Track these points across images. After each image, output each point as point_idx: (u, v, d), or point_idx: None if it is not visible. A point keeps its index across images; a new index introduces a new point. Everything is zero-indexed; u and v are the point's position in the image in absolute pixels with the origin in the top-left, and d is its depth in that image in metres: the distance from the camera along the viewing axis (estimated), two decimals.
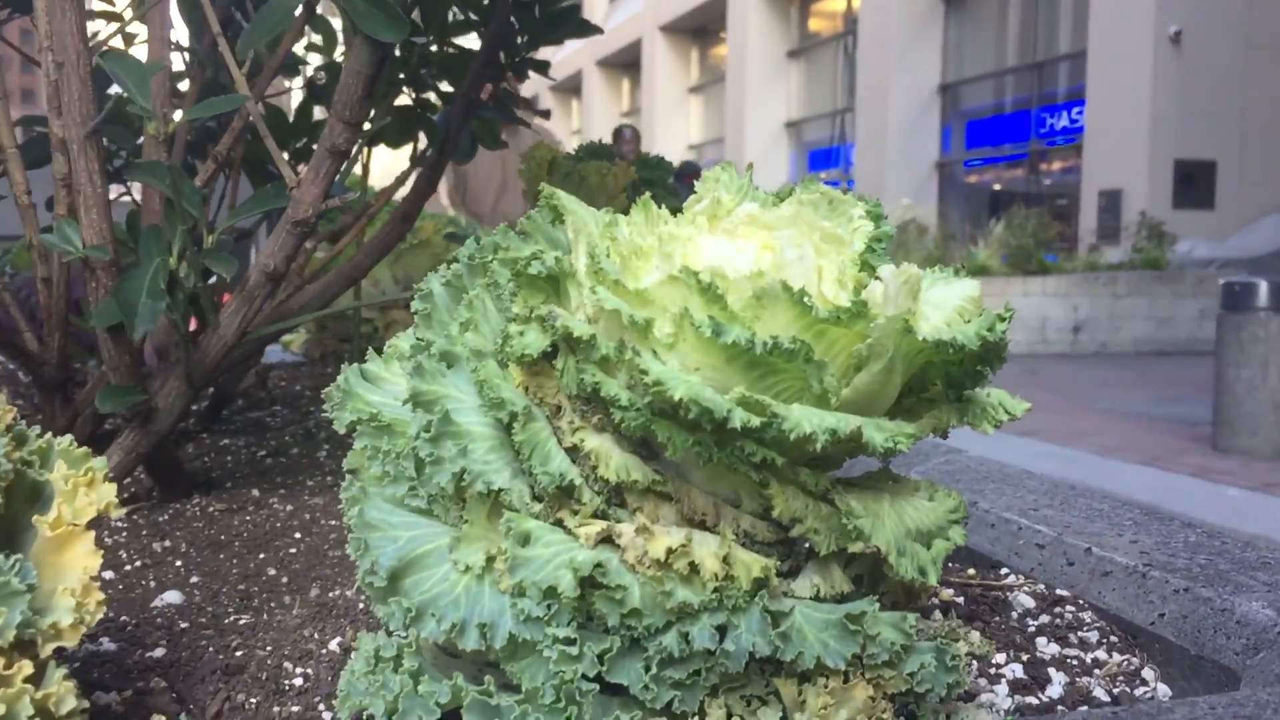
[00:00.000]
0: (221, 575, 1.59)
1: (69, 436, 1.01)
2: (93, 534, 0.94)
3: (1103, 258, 13.45)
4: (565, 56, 29.73)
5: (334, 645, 1.21)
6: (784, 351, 0.90)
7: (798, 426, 0.88)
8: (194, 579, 1.57)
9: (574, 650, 0.91)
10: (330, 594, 1.42)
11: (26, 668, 0.84)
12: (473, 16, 2.38)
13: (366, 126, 2.47)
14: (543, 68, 2.64)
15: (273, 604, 1.43)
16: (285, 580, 1.59)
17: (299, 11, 1.74)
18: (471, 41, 2.55)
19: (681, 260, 0.99)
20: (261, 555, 1.68)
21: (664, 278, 0.96)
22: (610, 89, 29.34)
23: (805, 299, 0.92)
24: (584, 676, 0.90)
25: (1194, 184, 14.41)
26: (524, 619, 0.92)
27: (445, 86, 2.57)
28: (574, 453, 0.99)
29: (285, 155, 2.79)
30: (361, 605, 1.33)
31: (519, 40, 2.47)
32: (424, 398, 1.01)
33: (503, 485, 0.97)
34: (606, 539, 0.95)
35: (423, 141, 2.62)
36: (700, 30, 25.36)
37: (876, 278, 1.02)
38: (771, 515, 0.97)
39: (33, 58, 2.36)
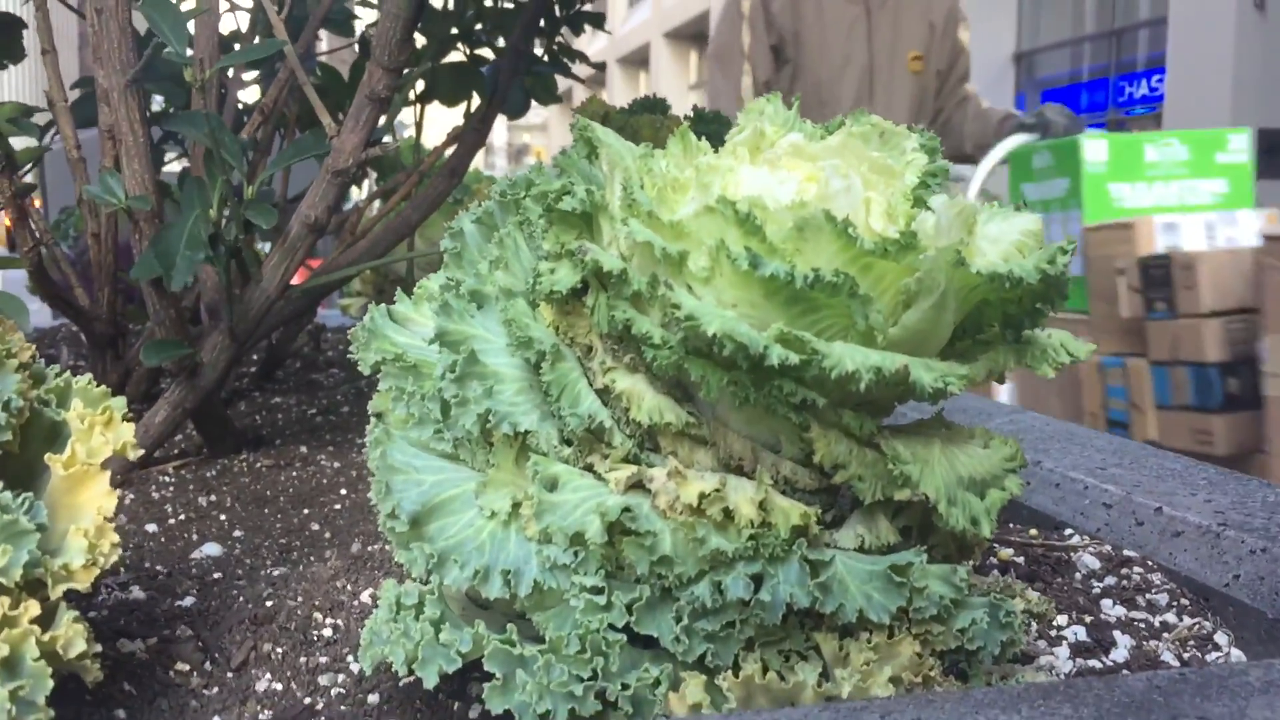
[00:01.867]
0: (264, 530, 1.57)
1: (88, 375, 0.99)
2: (108, 474, 0.91)
3: None
4: (632, 28, 29.60)
5: (365, 597, 1.18)
6: (826, 285, 0.84)
7: (840, 364, 0.82)
8: (236, 533, 1.55)
9: (601, 599, 0.86)
10: (370, 548, 1.39)
11: (33, 608, 0.81)
12: None
13: (420, 86, 2.45)
14: (598, 20, 2.58)
15: (311, 557, 1.41)
16: (328, 535, 1.56)
17: None
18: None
19: (720, 191, 0.93)
20: (306, 510, 1.66)
21: (700, 209, 0.90)
22: (678, 61, 29.12)
23: (850, 230, 0.86)
24: (612, 627, 0.86)
25: (1279, 153, 13.95)
26: (550, 566, 0.88)
27: (501, 43, 2.52)
28: (605, 394, 0.94)
29: (340, 116, 2.78)
30: (396, 558, 1.29)
31: None
32: (450, 337, 0.97)
33: (530, 427, 0.93)
34: (637, 484, 0.90)
35: (476, 102, 2.59)
36: (702, 36, 25.14)
37: (929, 210, 0.96)
38: (813, 461, 0.92)
39: (78, 9, 2.36)
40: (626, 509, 0.86)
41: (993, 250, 0.95)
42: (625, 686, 0.85)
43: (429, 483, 0.94)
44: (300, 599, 1.17)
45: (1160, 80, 15.23)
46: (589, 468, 0.93)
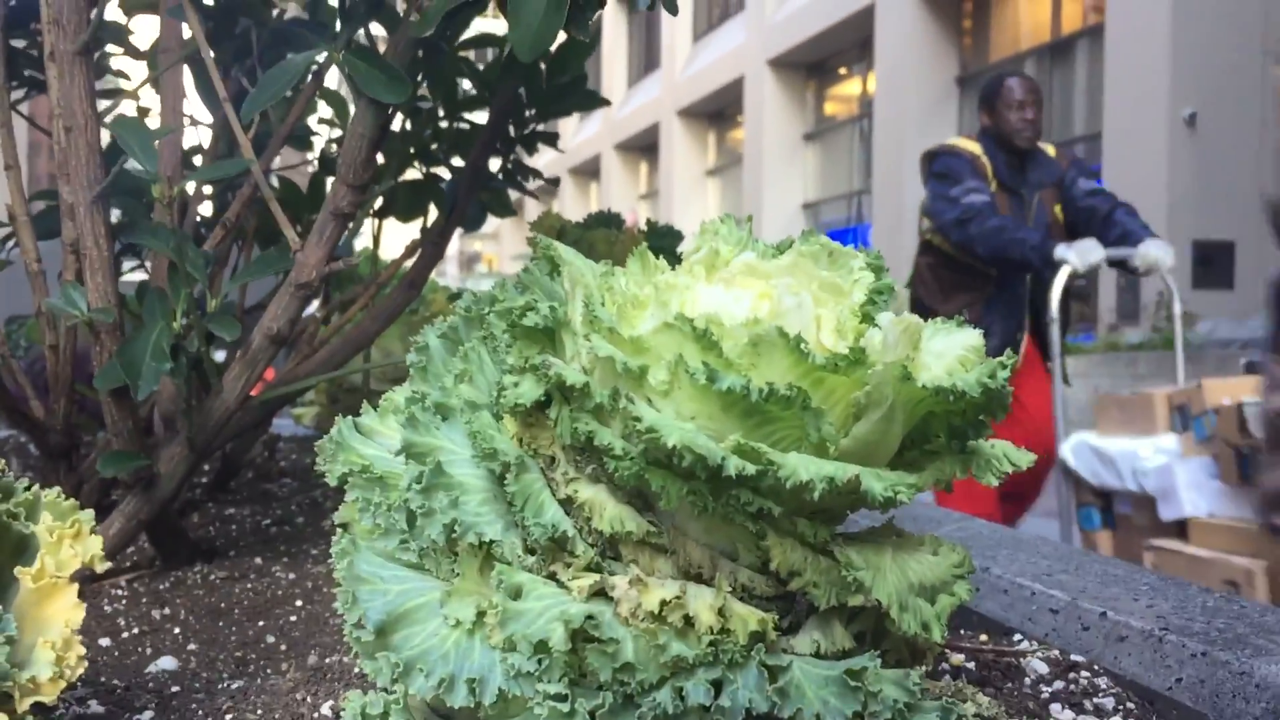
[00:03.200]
0: (219, 643, 1.57)
1: (56, 489, 1.00)
2: (76, 587, 0.92)
3: (1123, 337, 13.38)
4: (584, 140, 30.16)
5: (326, 709, 1.18)
6: (781, 398, 0.88)
7: (794, 474, 0.86)
8: (191, 646, 1.54)
9: (565, 707, 0.88)
10: (328, 659, 1.39)
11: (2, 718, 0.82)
12: (479, 91, 2.40)
13: (379, 203, 2.51)
14: (552, 140, 2.66)
15: (268, 670, 1.40)
16: (284, 648, 1.56)
17: (309, 79, 1.76)
18: (482, 118, 2.58)
19: (678, 308, 0.98)
20: (261, 623, 1.65)
21: (659, 325, 0.95)
22: (628, 172, 29.68)
23: (802, 345, 0.90)
24: None
25: (1213, 264, 14.38)
26: (514, 674, 0.89)
27: (456, 162, 2.59)
28: (568, 504, 0.97)
29: (299, 229, 2.82)
30: (357, 669, 1.29)
31: (527, 113, 2.49)
32: (417, 449, 1.00)
33: (495, 537, 0.95)
34: (600, 592, 0.92)
35: (433, 215, 2.64)
36: (717, 114, 25.70)
37: (877, 327, 1.01)
38: (770, 568, 0.95)
39: (44, 128, 2.40)
40: (590, 616, 0.88)
41: (937, 365, 0.99)
42: None
43: (394, 592, 0.96)
44: (260, 712, 1.16)
45: None
46: (552, 576, 0.95)
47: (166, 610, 1.70)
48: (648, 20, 27.69)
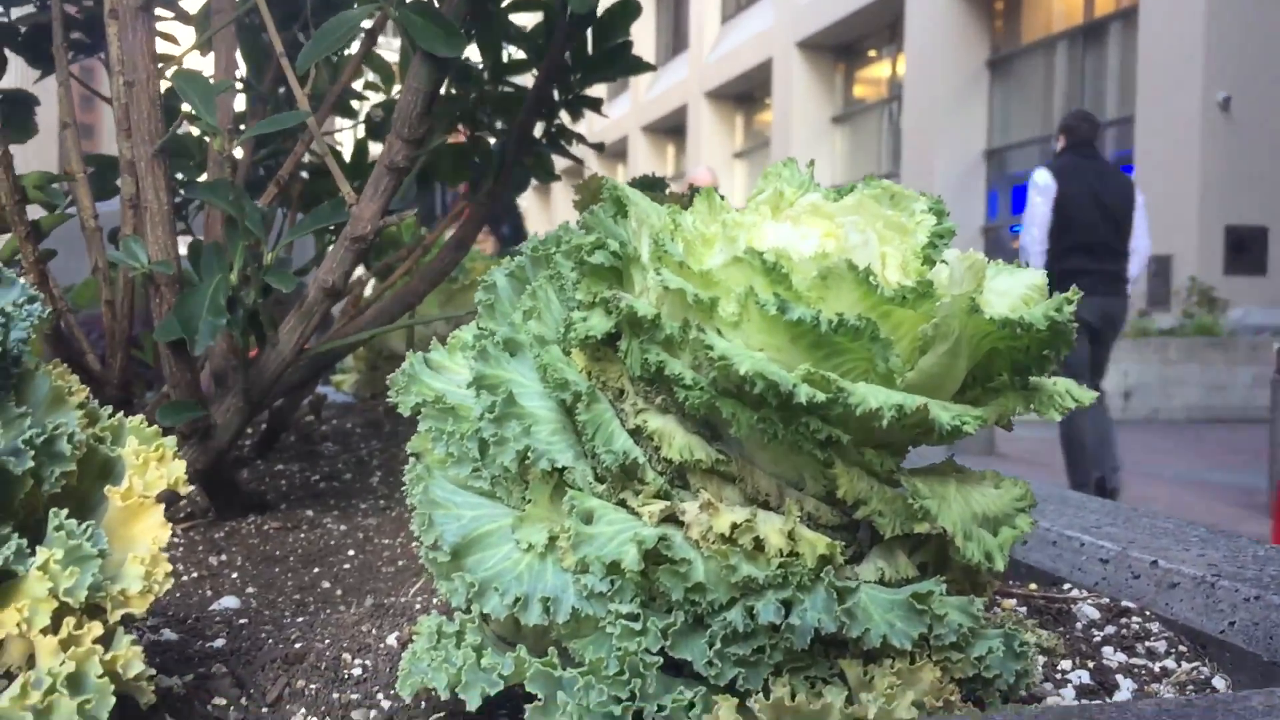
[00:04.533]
0: (277, 587, 1.60)
1: (140, 415, 1.03)
2: (162, 507, 0.95)
3: (1153, 323, 13.30)
4: (612, 122, 30.10)
5: (391, 640, 1.21)
6: (849, 329, 0.90)
7: (864, 402, 0.88)
8: (250, 589, 1.57)
9: (637, 625, 0.90)
10: (386, 600, 1.42)
11: (96, 629, 0.85)
12: (527, 55, 2.42)
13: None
14: (596, 104, 2.68)
15: (327, 610, 1.43)
16: (339, 592, 1.59)
17: (360, 39, 1.78)
18: (527, 81, 2.60)
19: (746, 244, 0.99)
20: (316, 569, 1.68)
21: (728, 259, 0.97)
22: (656, 154, 29.64)
23: (871, 278, 0.92)
24: (647, 651, 0.89)
25: (1246, 250, 14.26)
26: (587, 595, 0.92)
27: (500, 125, 2.61)
28: (637, 435, 0.99)
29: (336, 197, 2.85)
30: (419, 606, 1.32)
31: (572, 77, 2.50)
32: (488, 381, 1.02)
33: (566, 464, 0.98)
34: (670, 517, 0.95)
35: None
36: (745, 97, 25.60)
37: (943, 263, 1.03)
38: (835, 498, 0.97)
39: (99, 91, 2.44)
40: (663, 538, 0.90)
41: (1001, 303, 1.01)
42: (661, 708, 0.88)
43: (468, 517, 0.98)
44: (328, 641, 1.19)
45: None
46: (622, 503, 0.97)
47: (223, 557, 1.73)
48: (676, 2, 27.61)
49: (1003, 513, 0.99)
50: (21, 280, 0.96)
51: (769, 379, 0.88)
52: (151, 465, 0.96)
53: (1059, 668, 1.17)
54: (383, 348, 3.45)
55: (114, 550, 0.91)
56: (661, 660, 0.89)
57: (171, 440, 1.01)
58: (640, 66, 2.59)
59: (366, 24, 1.77)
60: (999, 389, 1.02)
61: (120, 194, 1.92)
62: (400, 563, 1.72)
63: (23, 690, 0.79)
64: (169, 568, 0.91)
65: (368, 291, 2.47)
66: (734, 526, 0.90)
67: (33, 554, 0.84)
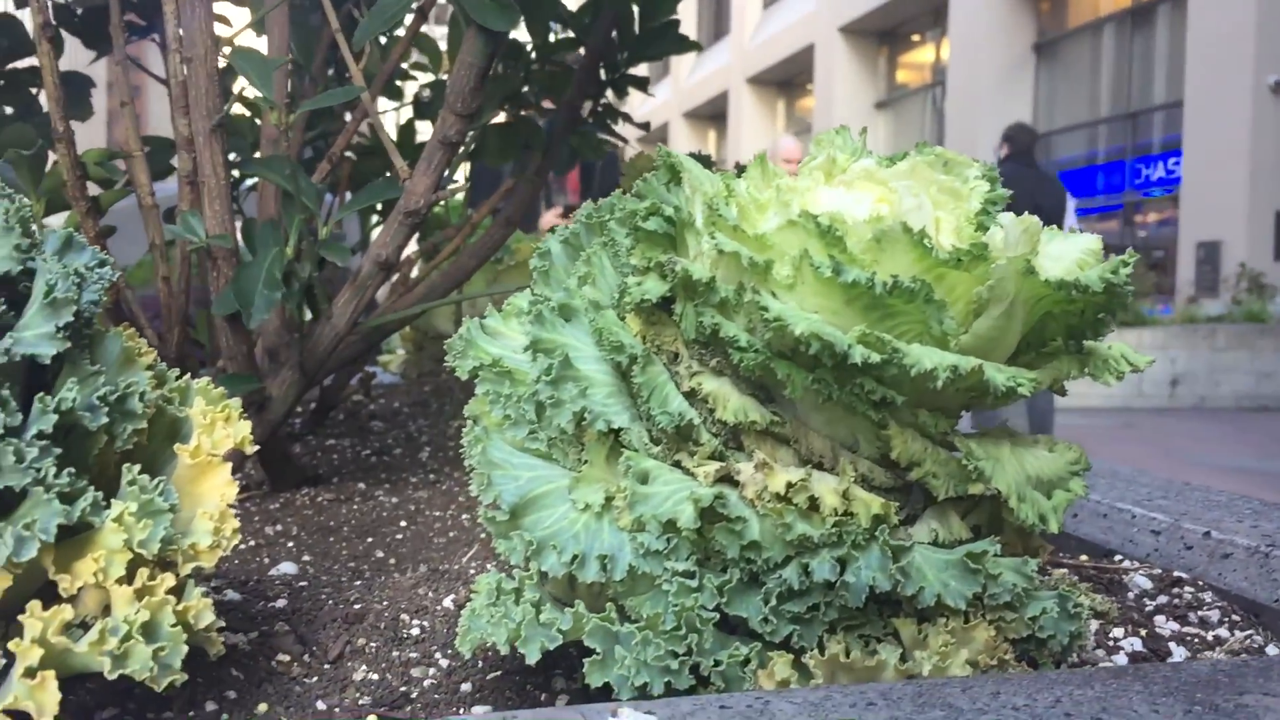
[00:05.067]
0: (332, 555, 1.62)
1: (206, 378, 1.05)
2: (229, 465, 0.97)
3: (1201, 310, 13.12)
4: (653, 108, 30.04)
5: (448, 602, 1.23)
6: (904, 291, 0.90)
7: (918, 363, 0.89)
8: (306, 557, 1.60)
9: (693, 583, 0.92)
10: (440, 568, 1.44)
11: (169, 580, 0.87)
12: (575, 34, 2.43)
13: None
14: (643, 83, 2.68)
15: (380, 577, 1.46)
16: (393, 561, 1.61)
17: (415, 5, 1.79)
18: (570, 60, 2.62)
19: (800, 208, 1.00)
20: (369, 539, 1.71)
21: (783, 223, 0.97)
22: (697, 140, 29.56)
23: (925, 240, 0.92)
24: (703, 608, 0.91)
25: None
26: (643, 553, 0.93)
27: (546, 104, 2.63)
28: (691, 397, 1.00)
29: (388, 175, 2.88)
30: (473, 571, 1.34)
31: (619, 56, 2.51)
32: (544, 345, 1.03)
33: (622, 425, 0.99)
34: (725, 478, 0.96)
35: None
36: (787, 82, 25.46)
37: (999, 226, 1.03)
38: (888, 460, 0.97)
39: (152, 72, 2.48)
40: (719, 496, 0.91)
41: (1055, 267, 1.01)
42: (717, 663, 0.90)
43: (525, 478, 1.00)
44: (386, 603, 1.22)
45: (1177, 163, 15.39)
46: (677, 464, 0.99)
47: (279, 527, 1.76)
48: None
49: (1057, 476, 1.00)
50: (93, 248, 0.99)
51: (824, 340, 0.88)
52: (219, 425, 0.98)
53: (1111, 635, 1.17)
54: (429, 328, 3.48)
55: (183, 506, 0.93)
56: (717, 616, 0.91)
57: (237, 401, 1.03)
58: (686, 45, 2.59)
59: (415, 2, 1.79)
60: (1053, 353, 1.02)
61: (177, 171, 1.96)
62: (451, 534, 1.74)
63: (101, 636, 0.81)
64: (236, 524, 0.94)
65: (413, 272, 2.50)
66: (789, 486, 0.92)
67: (108, 507, 0.86)
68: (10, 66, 2.46)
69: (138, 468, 0.90)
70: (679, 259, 1.00)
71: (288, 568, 1.48)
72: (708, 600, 0.91)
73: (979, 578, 0.91)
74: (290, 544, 1.68)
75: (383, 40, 2.53)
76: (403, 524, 1.80)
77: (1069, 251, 1.03)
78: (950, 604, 0.90)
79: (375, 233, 2.90)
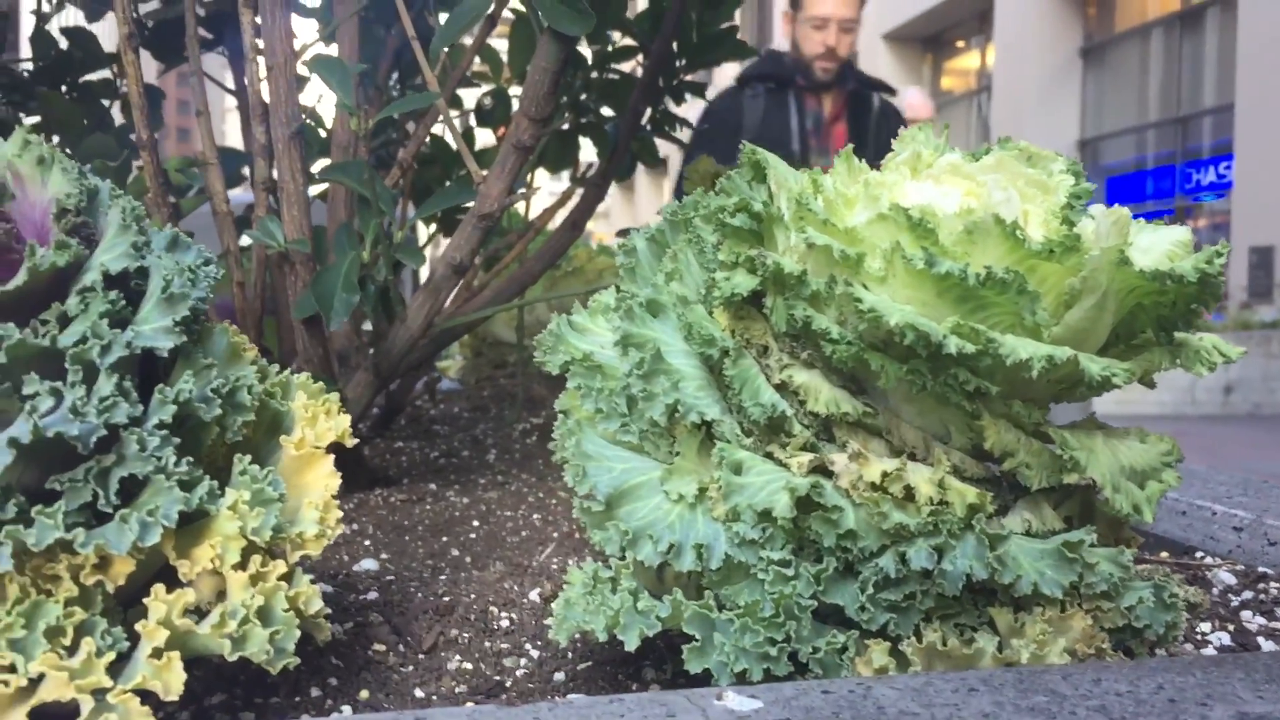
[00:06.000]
0: (409, 554, 1.65)
1: (305, 373, 1.08)
2: (332, 457, 1.00)
3: (1255, 316, 12.94)
4: (695, 113, 30.02)
5: (534, 595, 1.25)
6: (997, 282, 0.91)
7: (1013, 353, 0.89)
8: (384, 555, 1.62)
9: (789, 571, 0.93)
10: (518, 562, 1.46)
11: (280, 567, 0.90)
12: (635, 41, 2.46)
13: None
14: (701, 90, 2.71)
15: (461, 573, 1.48)
16: (469, 559, 1.63)
17: (490, 9, 1.82)
18: (625, 66, 2.64)
19: (889, 202, 1.01)
20: (444, 538, 1.73)
21: (873, 216, 0.98)
22: None
23: (1017, 232, 0.93)
24: (800, 596, 0.92)
25: None
26: (739, 542, 0.94)
27: (606, 111, 2.66)
28: (782, 389, 1.02)
29: (447, 183, 2.92)
30: (554, 567, 1.36)
31: (677, 63, 2.53)
32: (634, 339, 1.05)
33: (714, 417, 1.00)
34: (818, 468, 0.97)
35: (581, 165, 2.72)
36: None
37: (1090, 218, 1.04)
38: (981, 451, 0.98)
39: (225, 85, 2.53)
40: (815, 486, 0.92)
41: (1144, 259, 1.01)
42: (815, 650, 0.91)
43: (619, 470, 1.02)
44: (474, 596, 1.24)
45: (1228, 167, 15.20)
46: (769, 455, 1.00)
47: (355, 526, 1.79)
48: None
49: (1150, 466, 1.00)
50: (199, 245, 1.02)
51: (919, 330, 0.89)
52: (320, 418, 1.01)
53: (1199, 629, 1.17)
54: (487, 334, 3.51)
55: (289, 496, 0.95)
56: (815, 604, 0.92)
57: (336, 395, 1.06)
58: (745, 51, 2.61)
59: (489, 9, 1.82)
60: (1143, 345, 1.02)
61: (253, 178, 2.00)
62: (524, 533, 1.76)
63: (221, 619, 0.84)
64: (339, 513, 0.96)
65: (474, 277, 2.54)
66: (884, 475, 0.92)
67: (222, 495, 0.89)
68: (85, 79, 2.52)
69: (248, 458, 0.93)
70: (769, 253, 1.01)
71: (369, 564, 1.50)
72: (804, 589, 0.92)
73: (1075, 567, 0.91)
74: (368, 542, 1.71)
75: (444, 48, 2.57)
76: (475, 523, 1.82)
77: (1158, 243, 1.03)
78: (1047, 593, 0.91)
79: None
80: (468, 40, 2.07)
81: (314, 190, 2.33)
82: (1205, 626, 1.18)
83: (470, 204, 1.79)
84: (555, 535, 1.69)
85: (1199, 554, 1.41)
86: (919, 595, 0.92)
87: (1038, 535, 0.97)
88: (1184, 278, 0.93)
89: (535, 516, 1.83)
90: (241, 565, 0.87)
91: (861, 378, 1.00)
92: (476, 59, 2.69)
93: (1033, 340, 0.92)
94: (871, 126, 3.90)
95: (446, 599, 1.23)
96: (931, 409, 0.98)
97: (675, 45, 2.48)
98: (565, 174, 2.86)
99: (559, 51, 1.63)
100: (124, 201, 0.92)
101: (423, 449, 2.39)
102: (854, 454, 0.95)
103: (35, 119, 2.45)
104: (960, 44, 21.68)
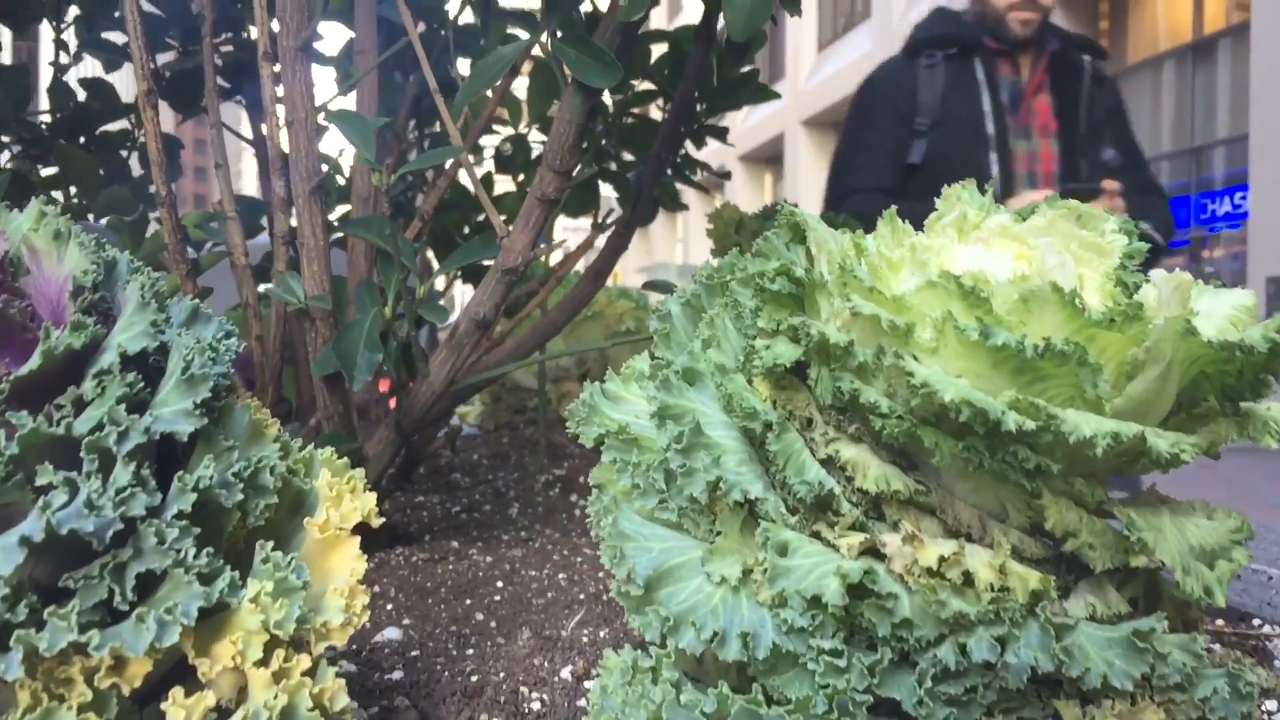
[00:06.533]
0: (432, 618, 1.60)
1: (329, 448, 1.04)
2: (358, 539, 0.95)
3: None
4: (709, 152, 30.14)
5: (565, 674, 1.20)
6: (1056, 354, 0.86)
7: (1076, 430, 0.85)
8: (406, 620, 1.58)
9: (841, 662, 0.87)
10: (545, 633, 1.41)
11: (304, 661, 0.85)
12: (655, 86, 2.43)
13: None
14: (722, 134, 2.67)
15: (487, 642, 1.43)
16: (493, 624, 1.58)
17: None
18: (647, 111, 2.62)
19: (937, 268, 0.97)
20: (467, 600, 1.68)
21: (922, 283, 0.94)
22: (753, 183, 29.60)
23: (1076, 300, 0.89)
24: (855, 689, 0.87)
25: None
26: (787, 630, 0.89)
27: (626, 156, 2.63)
28: (828, 465, 0.97)
29: (465, 230, 2.89)
30: (585, 640, 1.31)
31: (699, 107, 2.50)
32: (671, 411, 1.00)
33: (758, 495, 0.96)
34: (869, 550, 0.92)
35: (602, 210, 2.69)
36: (841, 124, 25.46)
37: (1139, 286, 0.99)
38: (1038, 529, 0.93)
39: (244, 136, 2.51)
40: (868, 571, 0.87)
41: (1207, 324, 0.97)
42: None
43: (657, 550, 0.97)
44: (503, 675, 1.19)
45: (1244, 197, 15.13)
46: (815, 535, 0.95)
47: (376, 588, 1.74)
48: (772, 29, 27.60)
49: (1219, 545, 0.95)
50: (218, 317, 0.98)
51: (976, 406, 0.85)
52: (345, 497, 0.96)
53: (1264, 707, 1.11)
54: (506, 380, 3.47)
55: (313, 582, 0.91)
56: (870, 699, 0.87)
57: (361, 473, 1.01)
58: (766, 94, 2.58)
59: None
60: (1206, 415, 0.98)
61: (270, 231, 1.97)
62: (550, 594, 1.71)
63: None
64: (365, 599, 0.92)
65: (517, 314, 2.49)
66: (941, 560, 0.87)
67: (243, 586, 0.84)
68: (102, 130, 2.50)
69: (270, 544, 0.88)
70: (813, 322, 0.97)
71: (392, 633, 1.46)
72: (858, 681, 0.87)
73: (1146, 657, 0.86)
74: (389, 606, 1.66)
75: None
76: (499, 584, 1.77)
77: (1219, 307, 0.99)
78: (1116, 685, 0.85)
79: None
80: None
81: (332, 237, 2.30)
82: (1270, 705, 1.12)
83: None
84: (582, 597, 1.64)
85: (1256, 621, 1.35)
86: (980, 688, 0.86)
87: (1102, 620, 0.92)
88: (1254, 348, 0.88)
89: (561, 576, 1.78)
90: (264, 661, 0.83)
91: (912, 453, 0.96)
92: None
93: (1095, 414, 0.88)
94: (1083, 99, 3.02)
95: (475, 678, 1.18)
96: (987, 486, 0.93)
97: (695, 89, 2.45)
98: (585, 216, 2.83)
99: (584, 104, 1.59)
100: (143, 277, 0.89)
101: (444, 503, 2.34)
102: (907, 536, 0.90)
103: (52, 170, 2.43)
104: None
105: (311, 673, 0.86)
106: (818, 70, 25.15)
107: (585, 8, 1.91)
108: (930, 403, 0.87)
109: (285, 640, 0.85)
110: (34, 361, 0.81)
